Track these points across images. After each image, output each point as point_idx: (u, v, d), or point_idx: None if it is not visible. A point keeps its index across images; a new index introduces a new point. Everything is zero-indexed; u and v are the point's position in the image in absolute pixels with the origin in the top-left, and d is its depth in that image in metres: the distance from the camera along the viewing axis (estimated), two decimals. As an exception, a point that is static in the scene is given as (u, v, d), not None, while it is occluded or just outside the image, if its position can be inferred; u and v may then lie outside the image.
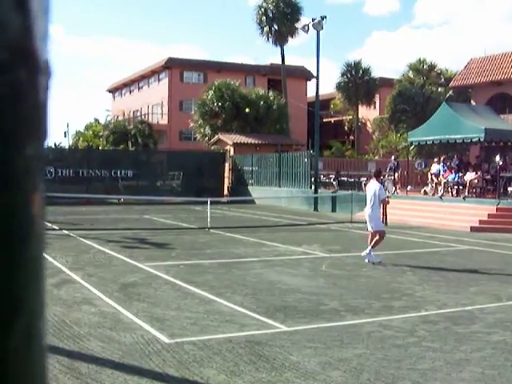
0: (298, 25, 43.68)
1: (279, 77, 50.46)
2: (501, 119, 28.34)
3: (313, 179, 29.86)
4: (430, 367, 5.74)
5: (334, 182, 30.94)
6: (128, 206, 29.71)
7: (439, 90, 49.56)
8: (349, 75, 54.24)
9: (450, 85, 40.23)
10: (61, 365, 5.55)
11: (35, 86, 0.49)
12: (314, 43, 30.33)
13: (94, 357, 5.85)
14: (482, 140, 24.15)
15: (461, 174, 24.18)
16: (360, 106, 55.26)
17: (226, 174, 37.50)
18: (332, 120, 64.05)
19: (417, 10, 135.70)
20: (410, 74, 52.74)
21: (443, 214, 21.45)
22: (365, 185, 24.82)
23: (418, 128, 28.02)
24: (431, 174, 25.79)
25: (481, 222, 20.08)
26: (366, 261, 12.19)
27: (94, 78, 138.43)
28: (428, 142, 26.89)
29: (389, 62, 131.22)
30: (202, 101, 44.52)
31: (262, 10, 48.64)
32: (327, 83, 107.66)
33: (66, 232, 17.23)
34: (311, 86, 63.80)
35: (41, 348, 0.51)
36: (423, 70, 52.34)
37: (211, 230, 18.28)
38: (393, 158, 29.97)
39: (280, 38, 48.53)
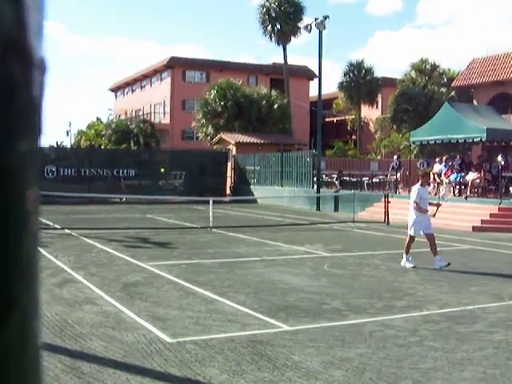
0: (301, 24, 43.62)
1: (282, 76, 50.42)
2: (503, 119, 28.31)
3: (315, 179, 29.85)
4: (432, 366, 5.73)
5: (337, 182, 30.92)
6: (130, 205, 29.70)
7: (441, 89, 49.47)
8: (351, 75, 54.21)
9: (452, 85, 40.20)
10: (63, 364, 5.55)
11: (29, 82, 0.49)
12: (316, 43, 30.35)
13: (96, 356, 5.85)
14: (483, 140, 24.15)
15: (463, 174, 24.16)
16: (362, 106, 55.26)
17: (229, 173, 37.50)
18: (334, 119, 64.02)
19: (419, 9, 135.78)
20: (413, 74, 52.64)
21: (445, 213, 21.38)
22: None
23: (420, 128, 28.01)
24: (433, 174, 25.77)
25: (483, 221, 20.04)
26: (437, 267, 11.39)
27: (97, 77, 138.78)
28: (430, 142, 26.85)
29: (391, 62, 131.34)
30: (205, 100, 44.49)
31: (265, 9, 48.68)
32: (330, 83, 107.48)
33: (67, 231, 17.26)
34: (314, 85, 63.41)
35: (35, 347, 0.51)
36: (426, 70, 52.24)
37: (213, 230, 18.28)
38: (395, 157, 29.93)
39: (283, 38, 48.54)
